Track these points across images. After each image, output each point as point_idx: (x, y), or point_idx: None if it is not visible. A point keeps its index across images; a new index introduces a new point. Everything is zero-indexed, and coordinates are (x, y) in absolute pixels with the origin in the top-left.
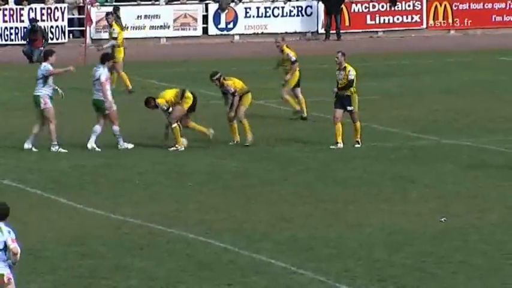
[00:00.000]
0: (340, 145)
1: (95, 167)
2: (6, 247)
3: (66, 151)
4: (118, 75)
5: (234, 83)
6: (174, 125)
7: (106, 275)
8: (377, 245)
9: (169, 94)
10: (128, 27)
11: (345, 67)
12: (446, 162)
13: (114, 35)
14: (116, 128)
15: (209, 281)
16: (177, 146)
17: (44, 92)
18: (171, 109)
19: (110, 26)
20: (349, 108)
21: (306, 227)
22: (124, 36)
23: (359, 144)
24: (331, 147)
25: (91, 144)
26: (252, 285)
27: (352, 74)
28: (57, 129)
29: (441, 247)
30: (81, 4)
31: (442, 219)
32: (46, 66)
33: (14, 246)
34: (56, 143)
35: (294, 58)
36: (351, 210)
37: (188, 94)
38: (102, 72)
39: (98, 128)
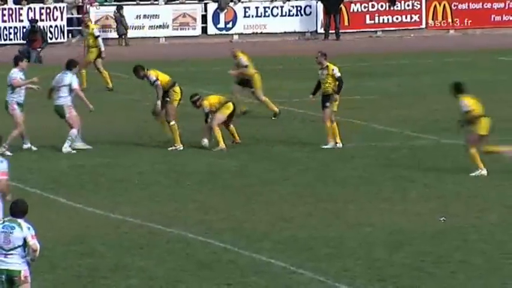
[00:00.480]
0: (339, 145)
1: (94, 167)
2: (25, 243)
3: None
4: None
5: (209, 101)
6: (172, 122)
7: (105, 274)
8: (376, 245)
9: (163, 77)
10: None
11: (327, 66)
12: (445, 162)
13: (97, 34)
14: (74, 131)
15: (208, 281)
16: (175, 145)
17: (12, 98)
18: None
19: (87, 26)
20: (327, 104)
21: (305, 227)
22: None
23: (331, 145)
24: (323, 146)
25: (66, 148)
26: (252, 285)
27: (337, 72)
28: (19, 135)
29: (441, 247)
30: (80, 4)
31: (442, 219)
32: (14, 73)
33: (33, 242)
34: (7, 147)
35: (245, 63)
36: (351, 210)
37: (176, 88)
38: (73, 79)
39: (73, 132)
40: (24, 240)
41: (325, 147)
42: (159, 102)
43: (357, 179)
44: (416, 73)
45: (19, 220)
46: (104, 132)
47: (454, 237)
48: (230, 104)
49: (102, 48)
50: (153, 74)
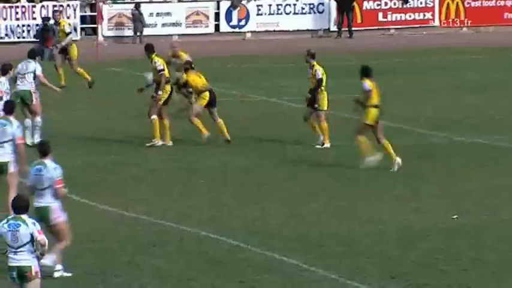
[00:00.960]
0: (327, 145)
1: (107, 165)
2: (33, 239)
3: None
4: (73, 72)
5: (193, 79)
6: (153, 117)
7: (119, 272)
8: (389, 242)
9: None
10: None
11: (313, 65)
12: (457, 160)
13: (68, 30)
14: (38, 119)
15: (221, 278)
16: (153, 140)
17: None
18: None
19: (58, 23)
20: (315, 105)
21: (317, 225)
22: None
23: (323, 145)
24: (313, 145)
25: (30, 140)
26: (264, 282)
27: (319, 73)
28: None
29: (453, 244)
30: (93, 2)
31: (454, 217)
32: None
33: (41, 237)
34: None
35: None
36: (363, 208)
37: (167, 87)
38: (37, 67)
39: (28, 122)
40: (32, 236)
41: (322, 147)
42: (160, 92)
43: (368, 176)
44: (429, 70)
45: (23, 216)
46: (116, 130)
47: (466, 234)
48: (206, 93)
49: (64, 45)
50: (161, 62)
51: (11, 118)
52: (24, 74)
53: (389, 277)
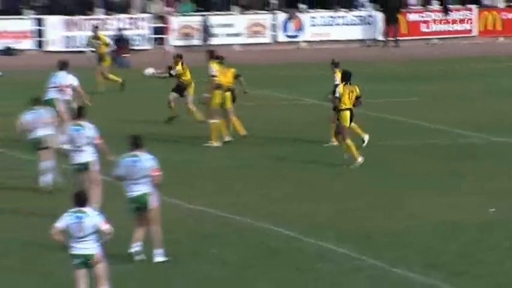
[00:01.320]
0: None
1: (175, 162)
2: (97, 230)
3: None
4: (104, 78)
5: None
6: (210, 120)
7: (186, 260)
8: (430, 234)
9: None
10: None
11: (335, 73)
12: (495, 159)
13: (108, 41)
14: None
15: (278, 266)
16: (210, 142)
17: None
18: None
19: (98, 37)
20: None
21: (365, 218)
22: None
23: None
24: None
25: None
26: (318, 270)
27: (337, 80)
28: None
29: (490, 236)
30: (163, 14)
31: (492, 210)
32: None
33: (107, 227)
34: None
35: (174, 73)
36: (407, 202)
37: (216, 91)
38: (74, 78)
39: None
40: (95, 226)
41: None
42: (207, 95)
43: (411, 174)
44: (468, 77)
45: (86, 209)
46: (184, 132)
47: (502, 227)
48: (227, 93)
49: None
50: (216, 68)
51: (83, 122)
52: (63, 86)
53: (431, 266)
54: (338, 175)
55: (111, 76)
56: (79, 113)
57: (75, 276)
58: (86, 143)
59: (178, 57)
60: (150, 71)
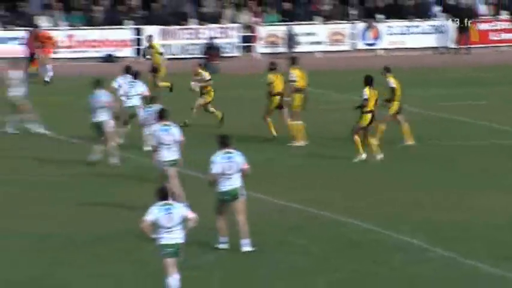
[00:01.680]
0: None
1: (261, 161)
2: (184, 219)
3: None
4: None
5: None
6: (292, 122)
7: (271, 250)
8: (499, 228)
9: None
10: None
11: (387, 77)
12: None
13: (160, 50)
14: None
15: (357, 258)
16: (293, 141)
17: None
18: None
19: (152, 46)
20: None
21: (436, 212)
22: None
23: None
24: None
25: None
26: (393, 261)
27: (391, 83)
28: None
29: None
30: (251, 24)
31: None
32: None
33: (193, 216)
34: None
35: (207, 77)
36: (475, 197)
37: (296, 95)
38: (144, 86)
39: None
40: (183, 216)
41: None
42: (287, 98)
43: (480, 171)
44: None
45: (171, 202)
46: (262, 131)
47: None
48: (277, 98)
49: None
50: (296, 74)
51: (169, 122)
52: (133, 95)
53: (501, 258)
54: (410, 172)
55: (161, 84)
56: (163, 115)
57: (165, 265)
58: (173, 141)
59: (291, 61)
60: (195, 84)
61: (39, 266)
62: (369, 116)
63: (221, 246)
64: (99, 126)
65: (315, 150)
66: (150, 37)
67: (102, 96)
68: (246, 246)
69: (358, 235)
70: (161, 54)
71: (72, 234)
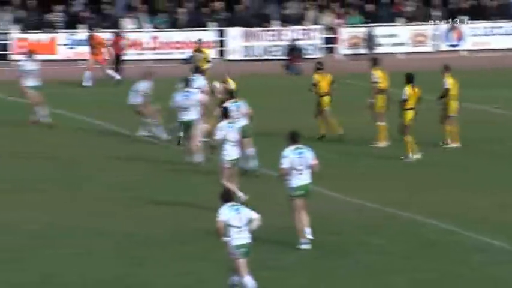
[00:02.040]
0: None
1: (336, 160)
2: (250, 220)
3: None
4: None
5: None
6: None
7: (350, 249)
8: None
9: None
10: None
11: (444, 77)
12: None
13: (209, 58)
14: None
15: (434, 258)
16: (376, 142)
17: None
18: None
19: (201, 51)
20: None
21: None
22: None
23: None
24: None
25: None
26: (472, 262)
27: (447, 84)
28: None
29: None
30: (333, 26)
31: None
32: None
33: (258, 216)
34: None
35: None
36: None
37: (379, 96)
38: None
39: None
40: (249, 217)
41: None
42: (371, 100)
43: None
44: None
45: (236, 203)
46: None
47: None
48: (326, 98)
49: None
50: (378, 75)
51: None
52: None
53: None
54: (493, 173)
55: None
56: (226, 114)
57: (238, 266)
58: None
59: (373, 62)
60: (217, 84)
61: (123, 265)
62: (411, 113)
63: (303, 246)
64: (188, 125)
65: (395, 152)
66: (199, 41)
67: (193, 94)
68: (308, 235)
69: (437, 235)
70: (209, 62)
71: (152, 233)
